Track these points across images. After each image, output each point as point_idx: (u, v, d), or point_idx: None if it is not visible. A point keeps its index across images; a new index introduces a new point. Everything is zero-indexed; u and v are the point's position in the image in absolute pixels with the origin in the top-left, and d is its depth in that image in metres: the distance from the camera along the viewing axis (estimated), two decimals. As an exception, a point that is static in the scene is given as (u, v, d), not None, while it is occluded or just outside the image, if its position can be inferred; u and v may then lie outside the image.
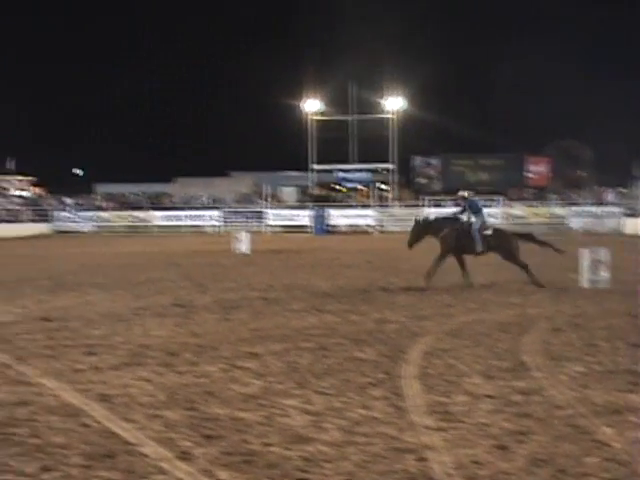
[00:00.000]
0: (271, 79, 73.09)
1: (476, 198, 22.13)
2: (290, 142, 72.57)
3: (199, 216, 66.84)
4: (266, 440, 7.69)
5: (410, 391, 9.42)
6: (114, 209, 69.48)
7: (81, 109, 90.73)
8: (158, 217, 66.88)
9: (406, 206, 65.73)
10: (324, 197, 70.48)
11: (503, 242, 20.57)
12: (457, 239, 20.57)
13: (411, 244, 21.22)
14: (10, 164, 79.27)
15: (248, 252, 36.31)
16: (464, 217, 20.87)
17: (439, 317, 15.33)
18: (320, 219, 62.00)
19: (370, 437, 7.78)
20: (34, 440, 7.67)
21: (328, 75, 69.42)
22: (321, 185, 74.78)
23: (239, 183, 75.95)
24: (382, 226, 63.32)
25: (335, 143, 70.59)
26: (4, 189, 76.54)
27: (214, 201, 70.22)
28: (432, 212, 22.28)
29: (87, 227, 66.87)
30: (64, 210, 69.86)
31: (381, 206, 67.34)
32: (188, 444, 7.56)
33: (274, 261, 31.55)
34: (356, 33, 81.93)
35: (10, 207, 67.59)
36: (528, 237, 21.34)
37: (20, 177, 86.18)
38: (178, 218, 66.68)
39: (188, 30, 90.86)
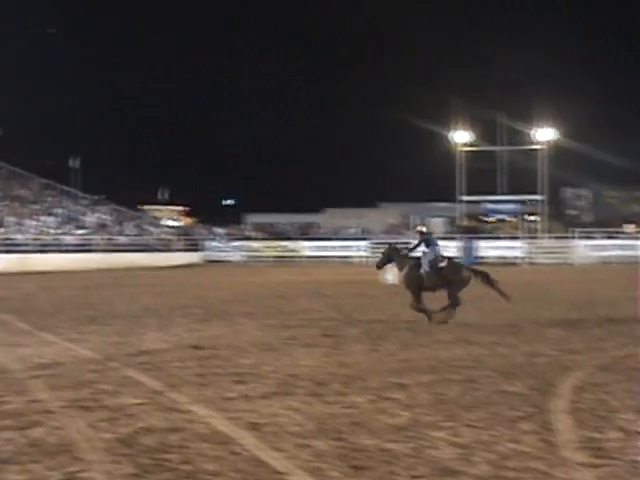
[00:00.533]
0: (420, 110, 72.99)
1: (433, 235, 22.17)
2: (439, 173, 72.35)
3: (347, 246, 67.10)
4: (414, 472, 7.63)
5: (561, 426, 9.21)
6: (263, 239, 70.41)
7: (232, 141, 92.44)
8: (307, 247, 67.44)
9: (556, 238, 64.62)
10: (472, 228, 69.90)
11: (456, 274, 20.34)
12: (416, 277, 20.40)
13: (381, 266, 22.11)
14: (163, 194, 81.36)
15: (396, 282, 36.20)
16: (418, 251, 20.97)
17: (590, 351, 14.98)
18: (469, 250, 61.41)
19: (520, 472, 7.63)
20: (185, 466, 7.79)
21: (477, 106, 69.01)
22: (469, 216, 74.25)
23: (387, 214, 76.06)
24: (531, 258, 62.36)
25: (484, 174, 70.02)
26: (157, 219, 78.54)
27: (362, 232, 70.43)
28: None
29: (236, 257, 67.93)
30: (214, 240, 71.18)
31: (530, 237, 66.38)
32: (336, 474, 7.55)
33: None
34: (505, 64, 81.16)
35: (162, 236, 69.26)
36: (483, 275, 20.72)
37: (172, 207, 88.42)
38: (326, 248, 67.07)
39: (349, 67, 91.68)
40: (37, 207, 64.88)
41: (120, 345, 16.05)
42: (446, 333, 17.64)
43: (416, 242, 21.43)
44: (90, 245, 59.74)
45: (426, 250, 20.72)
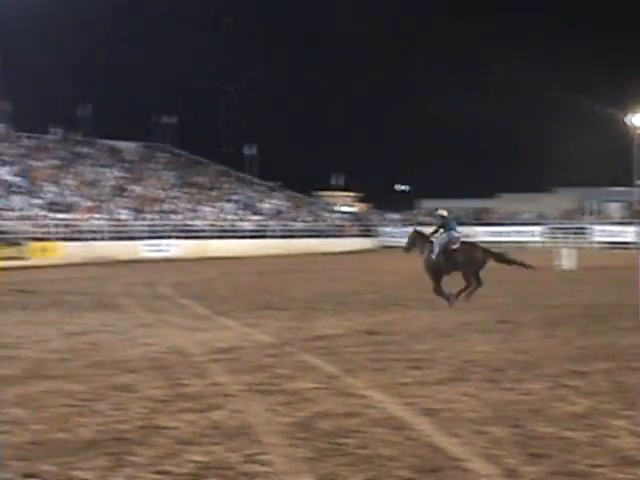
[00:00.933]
0: (596, 93, 71.12)
1: (452, 216, 23.14)
2: (615, 157, 70.35)
3: (522, 232, 66.09)
4: (593, 461, 7.47)
5: None
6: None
7: (406, 127, 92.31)
8: (481, 232, 66.75)
9: None
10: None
11: (468, 256, 20.93)
12: (432, 261, 21.19)
13: (408, 250, 22.51)
14: (337, 180, 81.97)
15: (573, 268, 35.56)
16: (437, 236, 21.52)
17: None
18: (646, 235, 59.54)
19: None
20: (362, 451, 7.84)
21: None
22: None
23: (563, 199, 74.44)
24: None
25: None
26: (331, 205, 79.23)
27: (537, 217, 69.24)
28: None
29: (410, 242, 67.80)
30: (388, 225, 71.29)
31: None
32: (514, 462, 7.46)
33: (599, 277, 30.70)
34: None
35: (337, 222, 69.83)
36: (497, 255, 21.56)
37: (346, 193, 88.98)
38: (501, 234, 66.23)
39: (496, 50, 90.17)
40: (214, 194, 66.41)
41: (296, 330, 16.29)
42: (626, 319, 17.15)
43: (435, 227, 22.01)
44: (266, 231, 60.80)
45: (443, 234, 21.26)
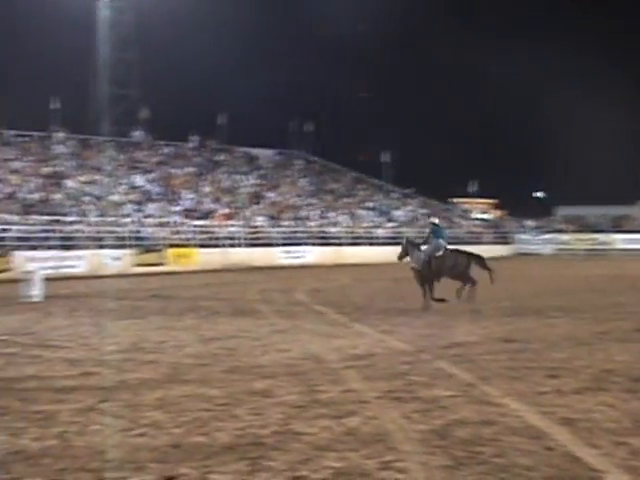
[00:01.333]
0: None
1: (443, 225, 24.67)
2: None
3: (664, 239, 64.37)
4: None
5: None
6: (574, 231, 68.87)
7: (541, 133, 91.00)
8: (620, 240, 65.34)
9: None
10: None
11: (451, 261, 22.39)
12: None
13: (400, 258, 23.38)
14: (472, 187, 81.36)
15: None
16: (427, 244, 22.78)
17: None
18: None
19: None
20: (499, 460, 7.77)
21: None
22: None
23: None
24: None
25: None
26: (467, 212, 78.69)
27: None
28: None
29: (547, 249, 66.89)
30: (524, 232, 70.43)
31: None
32: (657, 474, 7.30)
33: None
34: None
35: (472, 229, 69.29)
36: (477, 258, 23.21)
37: (482, 200, 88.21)
38: (640, 241, 64.70)
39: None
40: (349, 200, 66.69)
41: (431, 337, 16.25)
42: None
43: (426, 235, 23.37)
44: (401, 237, 60.69)
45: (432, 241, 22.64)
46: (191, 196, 57.33)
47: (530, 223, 72.85)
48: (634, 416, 9.34)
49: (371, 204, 67.14)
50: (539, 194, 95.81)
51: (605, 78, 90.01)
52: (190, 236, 50.36)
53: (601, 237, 66.36)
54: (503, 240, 68.29)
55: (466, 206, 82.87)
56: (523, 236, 69.58)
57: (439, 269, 22.25)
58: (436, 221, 23.65)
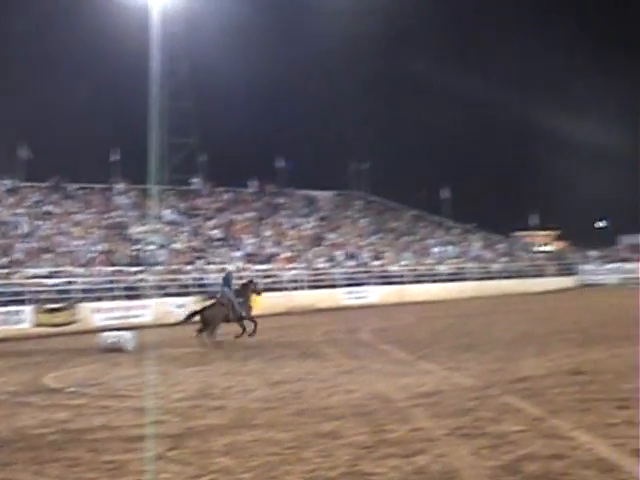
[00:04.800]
0: None
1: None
2: None
3: None
4: None
5: None
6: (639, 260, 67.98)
7: (602, 162, 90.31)
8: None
9: None
10: None
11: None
12: None
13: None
14: (534, 220, 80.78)
15: None
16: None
17: None
18: None
19: None
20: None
21: None
22: None
23: None
24: None
25: None
26: (528, 244, 78.09)
27: None
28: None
29: (612, 279, 66.08)
30: (588, 263, 69.71)
31: None
32: None
33: None
34: None
35: (535, 262, 68.73)
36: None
37: (543, 232, 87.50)
38: None
39: None
40: (410, 239, 66.60)
41: (498, 372, 16.14)
42: None
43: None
44: (464, 274, 60.42)
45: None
46: (252, 240, 57.67)
47: (594, 253, 72.09)
48: None
49: (432, 241, 66.97)
50: (602, 223, 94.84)
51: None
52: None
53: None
54: (567, 272, 67.64)
55: (528, 239, 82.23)
56: (587, 266, 68.85)
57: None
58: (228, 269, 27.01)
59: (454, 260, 63.26)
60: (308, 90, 79.18)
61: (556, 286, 62.21)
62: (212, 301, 27.34)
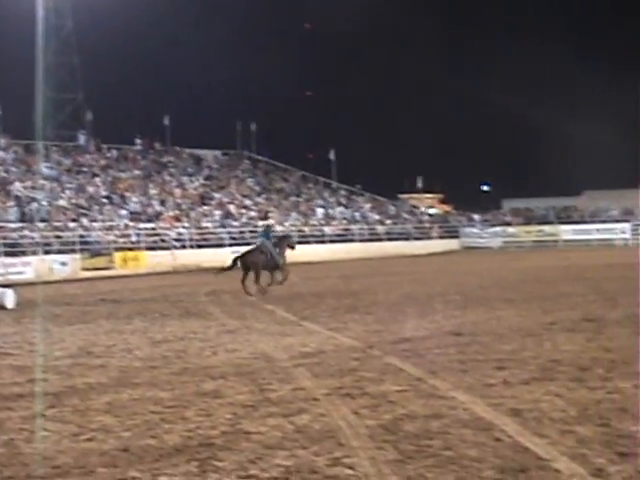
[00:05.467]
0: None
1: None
2: None
3: (608, 229, 65.15)
4: (684, 460, 7.36)
5: None
6: (521, 224, 69.43)
7: (487, 125, 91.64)
8: (566, 231, 66.03)
9: None
10: None
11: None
12: None
13: None
14: (419, 183, 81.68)
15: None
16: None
17: None
18: None
19: None
20: (448, 452, 7.82)
21: None
22: None
23: (651, 194, 72.96)
24: None
25: None
26: (414, 207, 78.97)
27: (624, 213, 68.11)
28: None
29: (494, 243, 67.36)
30: (472, 226, 70.87)
31: None
32: (602, 461, 7.39)
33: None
34: None
35: (420, 225, 69.59)
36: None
37: (429, 195, 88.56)
38: (586, 232, 65.43)
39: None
40: (297, 199, 66.72)
41: (381, 333, 16.31)
42: None
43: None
44: (350, 235, 60.87)
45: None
46: (138, 199, 57.03)
47: (477, 217, 73.27)
48: (580, 405, 9.44)
49: (320, 202, 67.22)
50: (485, 187, 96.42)
51: (550, 71, 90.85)
52: (137, 239, 50.09)
53: (547, 229, 67.00)
54: (451, 234, 68.60)
55: (414, 201, 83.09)
56: (470, 230, 69.94)
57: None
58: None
59: (342, 221, 63.64)
60: (196, 49, 78.40)
61: (440, 249, 63.12)
62: (252, 247, 29.53)
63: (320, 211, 64.69)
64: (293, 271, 28.74)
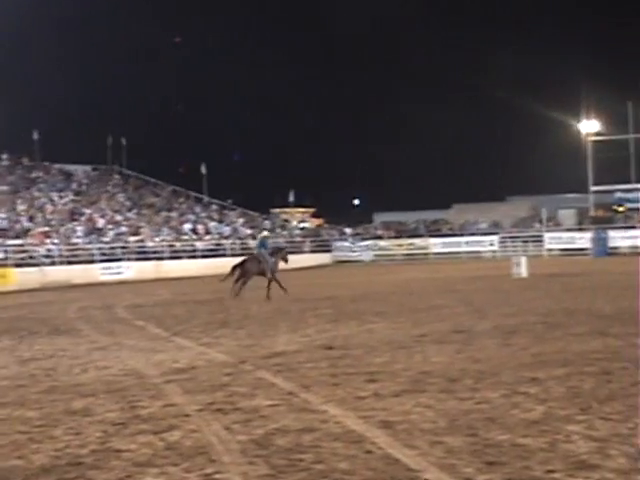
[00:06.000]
0: (547, 101, 71.56)
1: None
2: (568, 164, 70.77)
3: (477, 242, 66.56)
4: (549, 467, 7.53)
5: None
6: (392, 237, 70.30)
7: (358, 139, 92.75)
8: (436, 244, 67.15)
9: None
10: (604, 219, 68.19)
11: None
12: None
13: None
14: (291, 197, 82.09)
15: (526, 276, 35.87)
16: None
17: None
18: (600, 241, 60.26)
19: (660, 465, 7.45)
20: (319, 466, 7.84)
21: (605, 94, 66.90)
22: (600, 207, 72.25)
23: (517, 207, 74.97)
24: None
25: (615, 163, 67.86)
26: (286, 221, 79.19)
27: (492, 226, 69.71)
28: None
29: (366, 256, 68.00)
30: (344, 240, 71.40)
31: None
32: (470, 470, 7.51)
33: (554, 284, 31.03)
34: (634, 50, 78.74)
35: (292, 239, 69.79)
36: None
37: (301, 209, 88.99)
38: (456, 244, 66.69)
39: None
40: (168, 214, 66.19)
41: (253, 347, 16.28)
42: (580, 325, 17.39)
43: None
44: (222, 250, 60.60)
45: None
46: (5, 215, 55.72)
47: (349, 230, 73.88)
48: (449, 416, 9.58)
49: (191, 217, 66.80)
50: (357, 201, 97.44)
51: (407, 86, 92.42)
52: (4, 255, 48.92)
53: (418, 242, 67.96)
54: (322, 248, 68.95)
55: (286, 216, 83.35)
56: (342, 243, 70.44)
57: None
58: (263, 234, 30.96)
59: (214, 236, 63.36)
60: (65, 63, 77.27)
61: (313, 262, 63.38)
62: (250, 256, 32.34)
63: (189, 227, 64.22)
64: (164, 287, 28.46)
